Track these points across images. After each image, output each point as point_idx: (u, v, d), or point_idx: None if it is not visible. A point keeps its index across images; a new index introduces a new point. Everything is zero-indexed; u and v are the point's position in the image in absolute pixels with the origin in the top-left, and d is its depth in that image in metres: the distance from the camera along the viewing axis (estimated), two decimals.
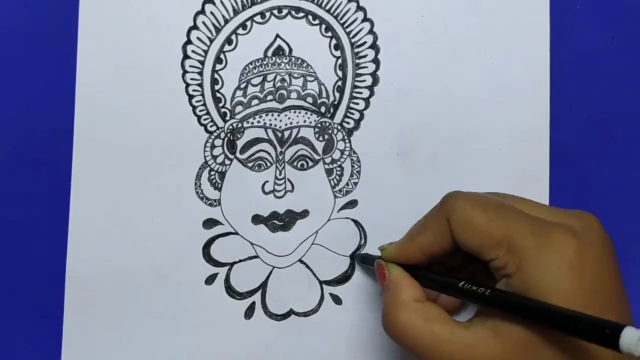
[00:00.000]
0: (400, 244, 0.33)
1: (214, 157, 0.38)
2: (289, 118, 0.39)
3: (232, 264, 0.38)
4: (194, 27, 0.38)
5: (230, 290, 0.38)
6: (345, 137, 0.39)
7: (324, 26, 0.39)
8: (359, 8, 0.39)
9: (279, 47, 0.39)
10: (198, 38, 0.38)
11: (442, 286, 0.31)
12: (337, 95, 0.39)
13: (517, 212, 0.29)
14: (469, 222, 0.29)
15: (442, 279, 0.31)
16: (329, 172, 0.39)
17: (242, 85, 0.38)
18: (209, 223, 0.38)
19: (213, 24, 0.38)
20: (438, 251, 0.31)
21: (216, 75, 0.38)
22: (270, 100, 0.39)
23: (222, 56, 0.38)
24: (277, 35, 0.39)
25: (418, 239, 0.32)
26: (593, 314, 0.25)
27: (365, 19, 0.39)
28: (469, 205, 0.30)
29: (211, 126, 0.38)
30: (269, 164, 0.39)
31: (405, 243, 0.33)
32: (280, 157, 0.39)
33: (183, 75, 0.38)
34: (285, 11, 0.39)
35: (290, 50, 0.39)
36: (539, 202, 0.32)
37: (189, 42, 0.38)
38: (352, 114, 0.39)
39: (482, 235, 0.29)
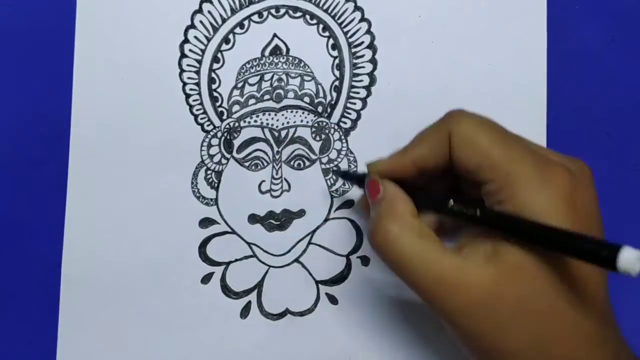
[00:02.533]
0: (393, 156, 0.32)
1: (211, 157, 0.38)
2: (285, 117, 0.39)
3: (228, 263, 0.38)
4: (192, 26, 0.38)
5: (226, 290, 0.38)
6: (342, 137, 0.39)
7: (321, 26, 0.39)
8: (357, 8, 0.39)
9: (277, 47, 0.39)
10: (195, 37, 0.38)
11: (435, 204, 0.30)
12: (334, 95, 0.39)
13: (522, 142, 0.29)
14: (472, 140, 0.29)
15: (434, 197, 0.30)
16: (325, 172, 0.39)
17: (239, 85, 0.38)
18: (206, 222, 0.38)
19: (210, 23, 0.38)
20: (431, 166, 0.30)
21: (213, 75, 0.38)
22: (267, 100, 0.39)
23: (219, 55, 0.38)
24: (275, 35, 0.39)
25: (413, 151, 0.31)
26: None
27: (362, 19, 0.39)
28: (475, 123, 0.29)
29: (208, 125, 0.38)
30: (265, 164, 0.39)
31: (399, 154, 0.32)
32: (277, 157, 0.39)
33: (180, 75, 0.38)
34: (282, 11, 0.39)
35: (288, 49, 0.39)
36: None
37: (186, 41, 0.38)
38: (349, 113, 0.39)
39: (483, 155, 0.28)
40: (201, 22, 0.38)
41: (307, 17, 0.39)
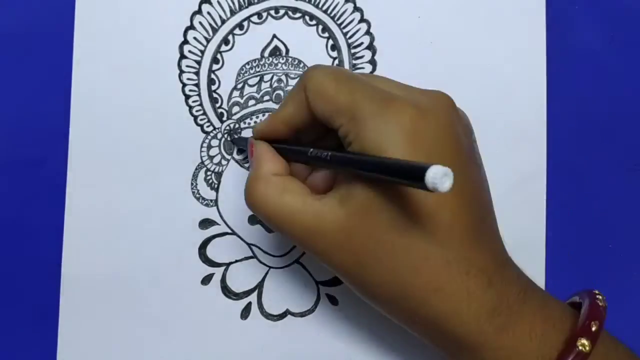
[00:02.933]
0: (265, 119, 0.34)
1: (211, 158, 0.38)
2: None
3: (228, 264, 0.38)
4: (191, 27, 0.38)
5: (227, 291, 0.38)
6: None
7: (320, 27, 0.39)
8: (356, 9, 0.39)
9: (276, 48, 0.39)
10: (195, 38, 0.38)
11: (296, 154, 0.32)
12: None
13: (367, 84, 0.30)
14: (321, 91, 0.30)
15: (296, 148, 0.32)
16: None
17: (239, 86, 0.38)
18: (205, 223, 0.38)
19: (210, 24, 0.38)
20: (299, 122, 0.32)
21: (213, 76, 0.38)
22: (267, 101, 0.39)
23: (219, 56, 0.38)
24: (274, 36, 0.39)
25: (280, 112, 0.33)
26: None
27: (362, 20, 0.39)
28: (323, 75, 0.31)
29: (208, 126, 0.38)
30: None
31: (270, 117, 0.34)
32: None
33: (180, 76, 0.38)
34: (282, 12, 0.39)
35: (287, 50, 0.39)
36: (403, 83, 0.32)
37: (185, 42, 0.38)
38: None
39: (331, 103, 0.30)
40: (200, 23, 0.38)
41: (307, 18, 0.39)
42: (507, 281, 0.29)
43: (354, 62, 0.39)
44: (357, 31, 0.39)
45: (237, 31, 0.38)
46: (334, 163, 0.29)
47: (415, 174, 0.23)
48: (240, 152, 0.39)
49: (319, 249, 0.30)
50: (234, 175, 0.39)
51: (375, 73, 0.39)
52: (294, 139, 0.34)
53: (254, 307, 0.38)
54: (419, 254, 0.28)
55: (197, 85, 0.38)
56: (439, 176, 0.22)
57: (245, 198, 0.32)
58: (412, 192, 0.27)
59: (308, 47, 0.39)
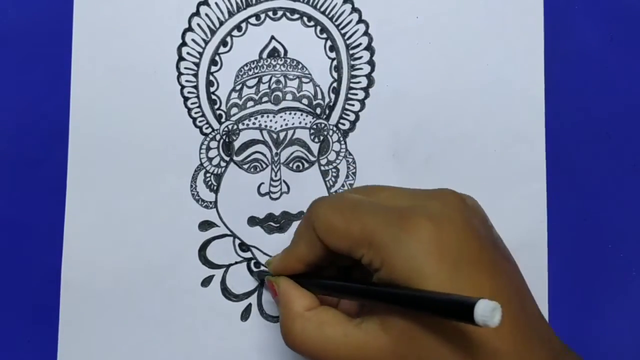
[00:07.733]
0: (280, 257, 0.34)
1: (210, 159, 0.38)
2: (284, 119, 0.39)
3: (228, 266, 0.38)
4: (189, 29, 0.38)
5: (227, 292, 0.38)
6: (341, 139, 0.39)
7: (319, 28, 0.39)
8: (354, 10, 0.39)
9: (274, 49, 0.39)
10: (193, 40, 0.38)
11: (325, 289, 0.32)
12: (333, 96, 0.39)
13: (374, 206, 0.29)
14: (331, 228, 0.30)
15: (323, 283, 0.32)
16: (324, 173, 0.39)
17: (238, 87, 0.38)
18: (205, 225, 0.38)
19: (208, 26, 0.38)
20: (315, 259, 0.32)
21: (211, 77, 0.38)
22: (266, 102, 0.39)
23: (217, 58, 0.38)
24: (272, 37, 0.39)
25: (294, 251, 0.33)
26: (462, 293, 0.25)
27: (360, 21, 0.39)
28: (328, 210, 0.30)
29: (207, 128, 0.38)
30: (264, 166, 0.39)
31: (285, 256, 0.34)
32: (276, 159, 0.39)
33: (178, 77, 0.38)
34: (280, 13, 0.39)
35: (286, 51, 0.39)
36: (404, 187, 0.32)
37: (184, 44, 0.38)
38: (348, 115, 0.39)
39: (345, 238, 0.29)
40: (199, 25, 0.38)
41: (305, 19, 0.39)
42: None
43: (352, 62, 0.39)
44: (356, 32, 0.39)
45: (235, 33, 0.38)
46: (372, 298, 0.28)
47: (462, 311, 0.22)
48: (239, 153, 0.38)
49: None
50: (233, 177, 0.39)
51: (374, 74, 0.39)
52: (314, 269, 0.33)
53: (254, 309, 0.39)
54: None
55: (195, 87, 0.38)
56: (488, 311, 0.21)
57: (284, 339, 0.31)
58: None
59: (306, 48, 0.39)
